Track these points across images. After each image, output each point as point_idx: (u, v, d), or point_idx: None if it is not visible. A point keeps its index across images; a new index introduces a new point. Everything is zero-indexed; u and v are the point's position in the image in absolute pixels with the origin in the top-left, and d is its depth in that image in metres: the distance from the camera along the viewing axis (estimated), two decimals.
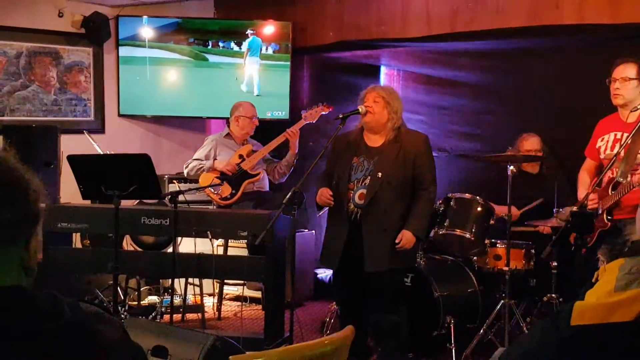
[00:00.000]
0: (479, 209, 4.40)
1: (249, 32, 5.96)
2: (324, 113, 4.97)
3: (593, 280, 1.49)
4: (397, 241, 3.81)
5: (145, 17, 5.94)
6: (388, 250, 3.83)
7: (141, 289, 5.26)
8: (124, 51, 5.96)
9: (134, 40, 5.96)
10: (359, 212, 3.89)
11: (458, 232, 4.38)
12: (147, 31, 5.95)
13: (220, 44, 6.02)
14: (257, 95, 5.97)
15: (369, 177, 3.87)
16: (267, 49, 5.99)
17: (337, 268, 4.00)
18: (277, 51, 5.98)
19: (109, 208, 3.97)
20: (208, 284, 5.55)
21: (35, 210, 1.18)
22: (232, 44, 6.01)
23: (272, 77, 6.03)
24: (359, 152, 3.96)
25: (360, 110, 3.92)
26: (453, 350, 4.19)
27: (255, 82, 6.02)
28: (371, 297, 3.99)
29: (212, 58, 6.06)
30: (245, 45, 5.98)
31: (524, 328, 4.22)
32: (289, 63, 5.97)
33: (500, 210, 4.46)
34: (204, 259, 4.28)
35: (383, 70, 6.16)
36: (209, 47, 6.05)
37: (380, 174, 3.85)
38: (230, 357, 2.14)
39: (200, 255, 4.35)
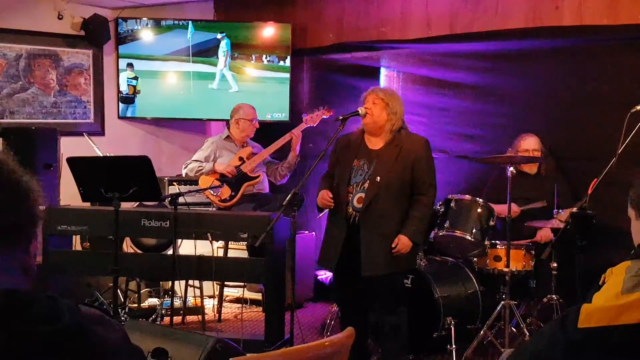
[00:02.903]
0: (479, 210, 4.41)
1: (219, 35, 5.97)
2: (324, 117, 4.97)
3: (600, 282, 1.49)
4: (393, 245, 3.80)
5: (189, 29, 5.97)
6: (385, 254, 3.82)
7: (141, 291, 5.26)
8: (170, 65, 6.02)
9: (180, 55, 5.99)
10: (357, 216, 3.88)
11: (458, 233, 4.39)
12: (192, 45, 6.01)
13: (265, 59, 6.02)
14: (237, 92, 6.01)
15: (368, 181, 3.87)
16: (268, 56, 6.01)
17: (336, 270, 4.01)
18: (276, 53, 5.99)
19: (109, 210, 3.97)
20: (208, 286, 5.55)
21: (34, 213, 1.18)
22: (276, 58, 6.02)
23: (272, 79, 6.04)
24: (360, 155, 3.96)
25: (360, 112, 3.91)
26: (453, 351, 4.19)
27: (231, 79, 6.06)
28: (370, 300, 3.99)
29: (254, 72, 6.07)
30: (223, 47, 5.99)
31: (525, 329, 4.22)
32: (288, 65, 5.98)
33: (500, 209, 4.46)
34: (204, 261, 4.28)
35: (383, 71, 6.16)
36: (253, 61, 6.06)
37: (378, 178, 3.84)
38: (230, 359, 2.14)
39: (200, 257, 4.35)
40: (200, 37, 6.01)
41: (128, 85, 6.05)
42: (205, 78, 6.05)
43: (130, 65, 6.00)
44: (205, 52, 6.02)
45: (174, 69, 6.04)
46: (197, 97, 6.11)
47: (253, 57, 6.04)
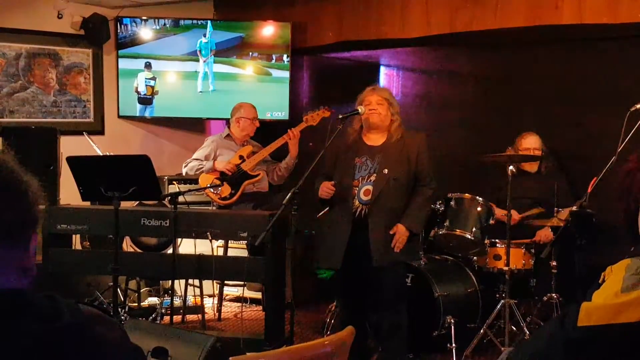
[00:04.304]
0: (479, 208, 4.41)
1: (206, 35, 5.95)
2: (325, 117, 4.97)
3: (600, 281, 1.48)
4: (391, 232, 3.84)
5: (209, 29, 5.95)
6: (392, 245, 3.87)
7: (141, 291, 5.26)
8: (189, 66, 5.99)
9: (194, 56, 5.95)
10: (363, 209, 3.90)
11: (458, 232, 4.39)
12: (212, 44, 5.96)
13: (285, 58, 5.96)
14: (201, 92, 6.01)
15: (375, 174, 3.90)
16: (267, 50, 6.01)
17: (340, 267, 4.00)
18: (276, 52, 5.99)
19: (109, 209, 3.97)
20: (208, 285, 5.55)
21: (34, 212, 1.18)
22: (276, 57, 5.97)
23: (272, 77, 6.04)
24: (361, 153, 3.98)
25: (360, 110, 3.93)
26: (453, 350, 4.20)
27: (201, 79, 6.05)
28: (374, 294, 3.99)
29: (275, 73, 6.02)
30: (206, 46, 5.98)
31: (524, 328, 4.22)
32: (288, 63, 5.97)
33: (500, 212, 4.47)
34: (203, 260, 4.29)
35: (382, 70, 6.16)
36: (273, 61, 6.01)
37: (386, 170, 3.89)
38: (230, 358, 2.14)
39: (200, 256, 4.35)
40: (218, 36, 5.97)
41: (146, 85, 6.03)
42: (226, 79, 6.02)
43: (148, 65, 5.98)
44: (224, 51, 5.99)
45: (188, 69, 6.00)
46: (217, 97, 6.06)
47: (252, 55, 6.03)
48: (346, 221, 3.93)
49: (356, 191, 3.93)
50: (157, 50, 5.99)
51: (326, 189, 3.94)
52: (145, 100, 6.06)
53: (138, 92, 6.02)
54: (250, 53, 6.03)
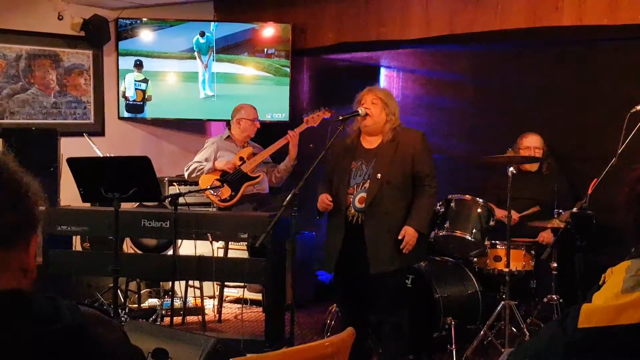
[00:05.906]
0: (479, 210, 4.41)
1: (201, 34, 5.83)
2: (325, 117, 4.97)
3: (600, 282, 1.48)
4: (399, 237, 3.80)
5: (213, 23, 5.87)
6: (393, 250, 3.82)
7: (141, 292, 5.26)
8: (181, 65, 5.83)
9: (190, 52, 5.86)
10: (359, 216, 3.88)
11: (458, 233, 4.38)
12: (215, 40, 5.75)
13: (264, 59, 5.67)
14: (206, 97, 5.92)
15: (369, 181, 3.87)
16: (267, 51, 6.00)
17: (336, 271, 4.00)
18: (276, 53, 5.99)
19: (109, 211, 3.97)
20: (208, 287, 5.55)
21: (34, 213, 1.18)
22: (276, 58, 5.80)
23: (272, 79, 6.04)
24: (357, 156, 3.96)
25: (360, 112, 3.92)
26: (454, 351, 4.19)
27: (203, 84, 5.96)
28: (373, 299, 3.99)
29: (253, 73, 5.84)
30: (204, 45, 5.88)
31: (525, 329, 4.22)
32: (288, 64, 5.97)
33: (501, 213, 4.47)
34: (204, 262, 4.29)
35: (383, 71, 6.16)
36: (252, 61, 5.83)
37: (379, 175, 3.85)
38: (230, 359, 2.14)
39: (200, 257, 4.35)
40: (225, 29, 5.86)
41: (135, 89, 5.87)
42: (227, 80, 5.96)
43: (138, 65, 5.81)
44: (231, 47, 5.87)
45: (186, 69, 5.93)
46: (218, 99, 5.98)
47: (253, 57, 6.03)
48: (339, 229, 3.91)
49: (351, 199, 3.91)
50: (154, 46, 5.89)
51: (323, 203, 3.93)
52: (135, 108, 5.87)
53: (126, 98, 5.90)
54: (266, 49, 5.86)
